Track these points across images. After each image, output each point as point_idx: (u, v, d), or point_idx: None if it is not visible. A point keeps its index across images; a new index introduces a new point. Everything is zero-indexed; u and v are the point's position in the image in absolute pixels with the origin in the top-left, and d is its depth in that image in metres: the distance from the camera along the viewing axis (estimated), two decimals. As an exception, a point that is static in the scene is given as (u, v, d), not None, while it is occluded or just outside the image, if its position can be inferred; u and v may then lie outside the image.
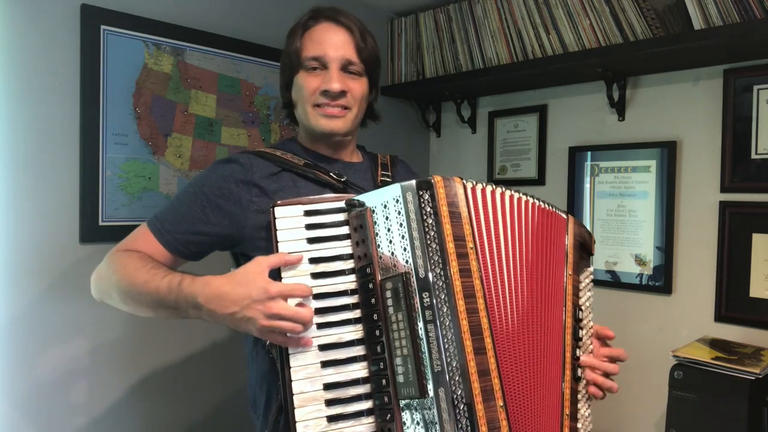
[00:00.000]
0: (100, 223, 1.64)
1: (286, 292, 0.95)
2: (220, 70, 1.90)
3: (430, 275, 0.93)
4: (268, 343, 1.08)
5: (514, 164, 2.35)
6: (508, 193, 1.07)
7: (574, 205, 2.14)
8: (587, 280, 1.21)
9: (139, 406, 1.75)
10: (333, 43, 1.17)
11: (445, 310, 0.92)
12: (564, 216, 1.18)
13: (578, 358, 1.12)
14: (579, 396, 1.11)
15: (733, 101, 1.78)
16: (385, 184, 1.24)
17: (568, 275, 1.14)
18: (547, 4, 1.98)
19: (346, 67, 1.18)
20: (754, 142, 1.75)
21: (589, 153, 2.11)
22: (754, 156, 1.75)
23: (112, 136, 1.67)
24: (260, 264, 0.96)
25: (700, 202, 1.86)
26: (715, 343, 1.70)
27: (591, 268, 1.23)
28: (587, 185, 2.12)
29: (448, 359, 0.91)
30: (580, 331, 1.14)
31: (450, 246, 0.95)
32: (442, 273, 0.94)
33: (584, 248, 1.22)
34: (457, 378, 0.91)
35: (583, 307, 1.16)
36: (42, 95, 1.55)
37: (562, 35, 1.96)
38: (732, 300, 1.79)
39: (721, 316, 1.81)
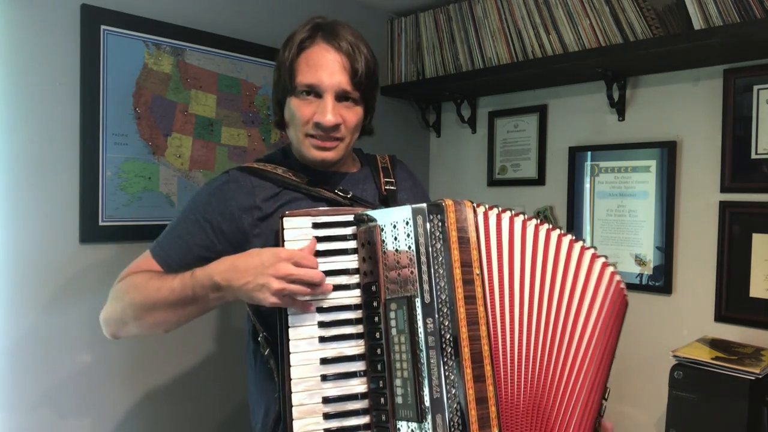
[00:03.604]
0: (100, 223, 1.64)
1: (296, 257, 0.96)
2: (220, 70, 1.90)
3: (436, 302, 0.93)
4: (266, 353, 1.08)
5: (514, 164, 2.35)
6: (533, 222, 1.05)
7: (574, 206, 2.15)
8: None
9: (140, 408, 1.75)
10: (329, 70, 1.10)
11: (448, 338, 0.92)
12: (624, 287, 1.14)
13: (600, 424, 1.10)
14: None
15: (733, 101, 1.78)
16: (389, 192, 1.23)
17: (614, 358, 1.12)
18: (547, 4, 1.98)
19: (341, 97, 1.13)
20: (754, 142, 1.75)
21: (589, 153, 2.11)
22: (754, 156, 1.75)
23: (112, 136, 1.66)
24: (271, 248, 0.99)
25: (700, 202, 1.86)
26: (715, 343, 1.70)
27: None
28: (587, 185, 2.12)
29: (448, 387, 0.91)
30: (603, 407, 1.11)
31: (457, 272, 0.94)
32: (447, 299, 0.93)
33: None
34: (455, 406, 0.91)
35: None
36: (42, 95, 1.55)
37: (562, 35, 1.96)
38: (732, 300, 1.79)
39: (721, 316, 1.81)
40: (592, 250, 1.09)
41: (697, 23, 1.65)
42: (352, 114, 1.15)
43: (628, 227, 2.01)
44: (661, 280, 1.93)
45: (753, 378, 1.47)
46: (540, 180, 2.26)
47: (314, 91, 1.12)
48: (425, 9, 2.37)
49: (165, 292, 1.05)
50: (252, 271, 0.96)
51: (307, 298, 0.98)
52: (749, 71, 1.76)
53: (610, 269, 1.10)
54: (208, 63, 1.87)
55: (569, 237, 1.08)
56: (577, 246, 1.08)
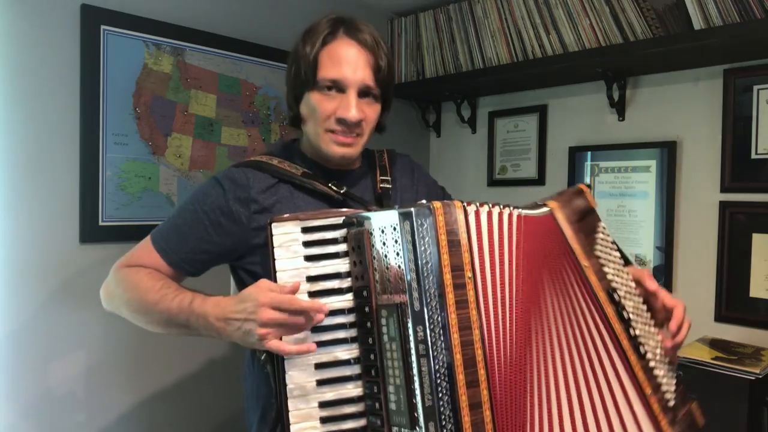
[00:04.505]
0: (100, 223, 1.64)
1: (276, 302, 0.94)
2: (220, 70, 1.90)
3: (425, 309, 0.92)
4: (263, 358, 1.08)
5: (514, 164, 2.35)
6: (515, 213, 1.02)
7: (574, 205, 2.14)
8: (602, 235, 1.13)
9: (139, 409, 1.75)
10: (353, 65, 1.10)
11: (439, 345, 0.91)
12: (546, 211, 1.08)
13: (636, 336, 1.05)
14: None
15: (733, 101, 1.78)
16: (384, 191, 1.22)
17: (585, 266, 1.07)
18: (547, 4, 1.98)
19: (363, 93, 1.12)
20: (754, 142, 1.75)
21: (589, 153, 2.11)
22: (754, 156, 1.75)
23: (112, 136, 1.67)
24: (259, 284, 0.97)
25: (700, 202, 1.86)
26: (715, 343, 1.70)
27: (600, 222, 1.13)
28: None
29: (440, 394, 0.90)
30: (624, 312, 1.06)
31: (447, 277, 0.92)
32: (437, 306, 0.92)
33: (585, 213, 1.14)
34: (447, 413, 0.90)
35: (615, 282, 1.08)
36: (42, 95, 1.55)
37: (562, 35, 1.96)
38: (732, 300, 1.79)
39: (721, 316, 1.81)
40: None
41: (697, 23, 1.65)
42: (373, 111, 1.15)
43: (628, 227, 2.01)
44: (661, 280, 1.93)
45: (753, 378, 1.47)
46: (540, 180, 2.26)
47: (337, 86, 1.11)
48: (425, 9, 2.37)
49: (162, 308, 1.06)
50: (239, 318, 0.97)
51: (302, 335, 0.97)
52: (749, 71, 1.76)
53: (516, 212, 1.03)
54: (208, 63, 1.87)
55: (534, 211, 1.05)
56: (538, 215, 1.04)
